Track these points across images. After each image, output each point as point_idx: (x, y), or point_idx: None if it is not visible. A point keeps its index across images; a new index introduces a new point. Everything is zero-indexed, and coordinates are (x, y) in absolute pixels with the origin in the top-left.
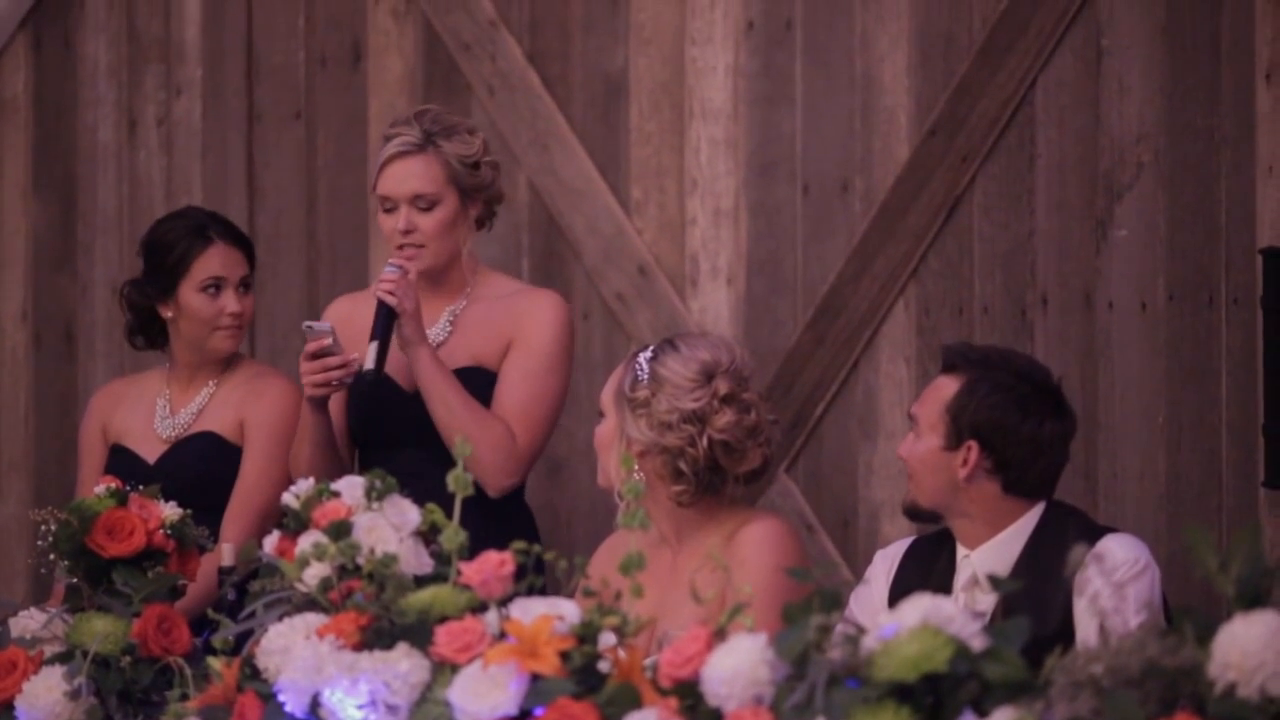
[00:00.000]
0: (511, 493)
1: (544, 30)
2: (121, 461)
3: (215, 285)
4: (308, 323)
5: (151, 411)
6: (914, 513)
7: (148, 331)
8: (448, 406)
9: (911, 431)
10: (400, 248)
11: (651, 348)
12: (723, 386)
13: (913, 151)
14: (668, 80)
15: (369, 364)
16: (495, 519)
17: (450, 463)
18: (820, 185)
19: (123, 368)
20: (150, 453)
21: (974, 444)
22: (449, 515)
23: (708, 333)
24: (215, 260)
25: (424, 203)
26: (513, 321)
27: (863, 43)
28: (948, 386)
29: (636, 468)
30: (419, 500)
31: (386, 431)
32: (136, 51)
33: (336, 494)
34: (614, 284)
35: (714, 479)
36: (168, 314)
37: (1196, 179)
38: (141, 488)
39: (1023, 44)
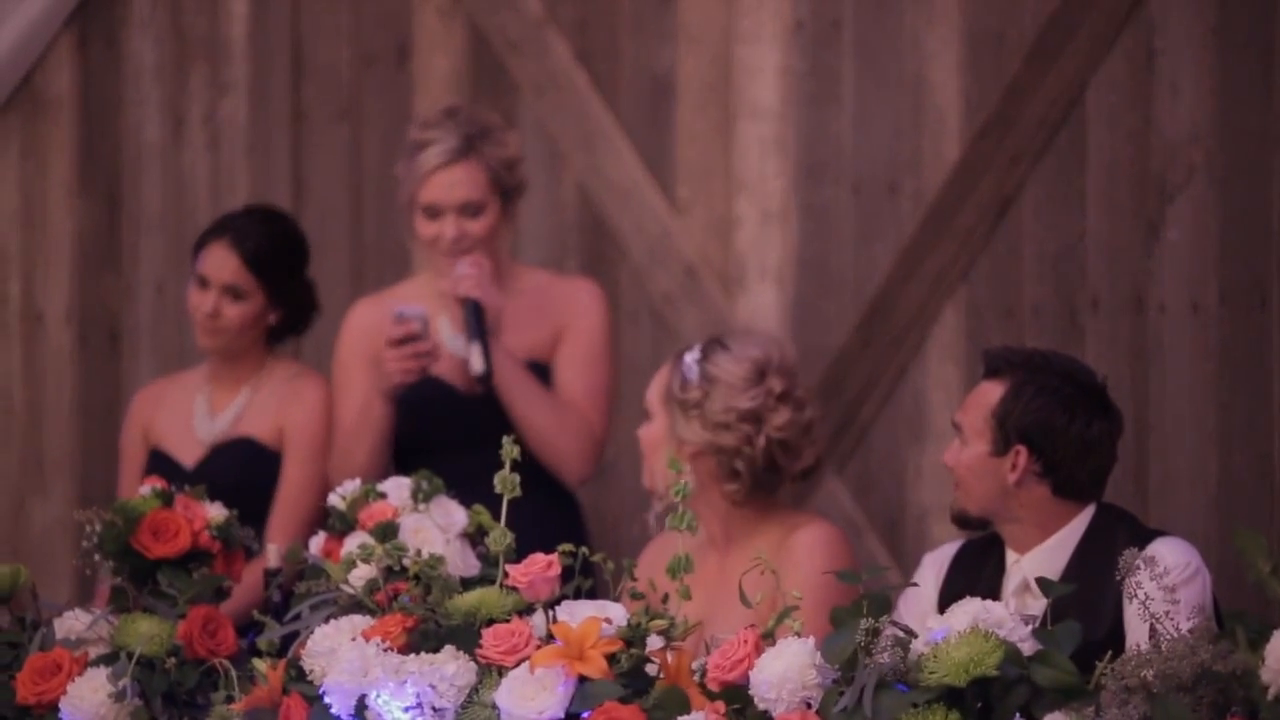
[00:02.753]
0: (566, 493)
1: (592, 29)
2: (160, 467)
3: (201, 281)
4: (400, 309)
5: (191, 412)
6: (963, 520)
7: None
8: (529, 398)
9: (956, 439)
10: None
11: (698, 347)
12: (777, 384)
13: (962, 152)
14: (716, 80)
15: (477, 367)
16: (549, 518)
17: (503, 466)
18: (869, 186)
19: (168, 368)
20: (189, 457)
21: (1023, 448)
22: (508, 518)
23: (751, 329)
24: (206, 258)
25: (471, 209)
26: (559, 311)
27: (912, 42)
28: (992, 392)
29: (688, 469)
30: (473, 505)
31: (440, 436)
32: (182, 50)
33: (383, 495)
34: (661, 285)
35: (769, 478)
36: None
37: (1248, 180)
38: (187, 487)
39: (1074, 45)
